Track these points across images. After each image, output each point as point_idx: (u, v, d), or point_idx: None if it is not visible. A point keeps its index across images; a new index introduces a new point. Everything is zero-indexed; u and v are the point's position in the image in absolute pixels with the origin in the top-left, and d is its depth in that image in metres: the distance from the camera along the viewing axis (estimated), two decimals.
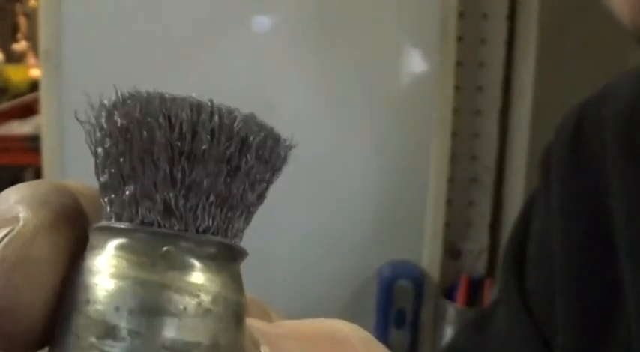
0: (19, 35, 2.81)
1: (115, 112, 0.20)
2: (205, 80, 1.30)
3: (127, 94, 0.20)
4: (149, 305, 0.18)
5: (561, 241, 0.49)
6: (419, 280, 1.35)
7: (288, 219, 1.32)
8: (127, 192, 0.19)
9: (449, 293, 1.38)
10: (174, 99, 0.19)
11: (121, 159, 0.19)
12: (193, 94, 0.20)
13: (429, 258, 1.37)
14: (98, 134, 0.20)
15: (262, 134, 0.20)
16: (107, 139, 0.20)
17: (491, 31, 1.39)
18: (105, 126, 0.20)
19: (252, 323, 0.20)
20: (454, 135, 1.37)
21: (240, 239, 0.20)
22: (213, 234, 0.19)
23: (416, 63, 1.36)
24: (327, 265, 1.37)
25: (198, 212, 0.19)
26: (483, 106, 1.42)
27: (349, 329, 0.23)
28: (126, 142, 0.19)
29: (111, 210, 0.19)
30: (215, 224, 0.19)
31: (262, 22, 1.33)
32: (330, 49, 1.32)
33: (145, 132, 0.19)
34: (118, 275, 0.18)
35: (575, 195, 0.49)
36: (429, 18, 1.31)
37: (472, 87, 1.41)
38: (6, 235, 0.18)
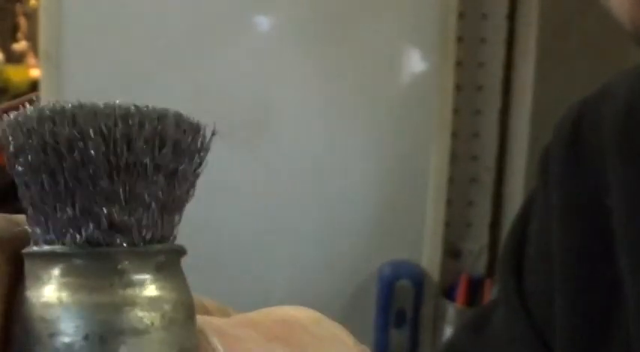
0: (19, 35, 2.81)
1: (38, 129, 0.19)
2: (205, 80, 1.30)
3: (47, 110, 0.19)
4: (119, 328, 0.18)
5: (560, 241, 0.49)
6: (419, 280, 1.35)
7: (287, 219, 1.32)
8: (67, 212, 0.18)
9: (449, 293, 1.38)
10: (100, 110, 0.19)
11: (51, 179, 0.18)
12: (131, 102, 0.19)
13: (429, 258, 1.37)
14: (17, 152, 0.19)
15: (191, 135, 0.20)
16: (31, 157, 0.18)
17: (491, 31, 1.39)
18: (26, 143, 0.19)
19: (204, 319, 0.21)
20: (454, 135, 1.37)
21: (176, 234, 0.20)
22: (158, 241, 0.19)
23: (416, 63, 1.36)
24: (327, 265, 1.37)
25: (143, 223, 0.19)
26: (483, 106, 1.42)
27: (299, 311, 0.23)
28: (55, 161, 0.18)
29: (47, 233, 0.18)
30: (159, 231, 0.19)
31: (262, 22, 1.32)
32: (329, 48, 1.32)
33: (77, 149, 0.18)
34: (77, 303, 0.18)
35: (574, 194, 0.49)
36: (429, 18, 1.31)
37: (472, 87, 1.40)
38: None
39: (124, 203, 0.18)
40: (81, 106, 0.19)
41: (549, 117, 0.58)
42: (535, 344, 0.49)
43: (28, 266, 0.18)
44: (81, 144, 0.18)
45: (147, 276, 0.18)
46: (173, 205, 0.19)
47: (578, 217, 0.48)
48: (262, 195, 1.33)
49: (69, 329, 0.17)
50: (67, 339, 0.17)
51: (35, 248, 0.18)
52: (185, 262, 0.21)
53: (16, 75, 2.50)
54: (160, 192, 0.19)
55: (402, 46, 1.36)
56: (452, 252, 1.43)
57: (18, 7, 2.82)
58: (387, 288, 1.33)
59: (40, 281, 0.18)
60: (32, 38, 2.52)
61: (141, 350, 0.18)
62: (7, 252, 0.18)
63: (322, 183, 1.35)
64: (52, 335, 0.17)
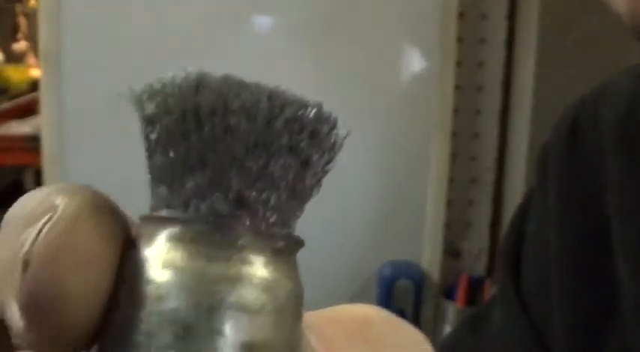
0: (19, 35, 2.81)
1: (179, 95, 0.18)
2: None
3: (193, 75, 0.18)
4: (230, 302, 0.17)
5: (558, 240, 0.49)
6: (419, 280, 1.35)
7: None
8: (196, 180, 0.18)
9: (449, 293, 1.38)
10: (248, 85, 0.18)
11: (187, 145, 0.18)
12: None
13: (429, 258, 1.37)
14: (154, 114, 0.18)
15: (329, 127, 0.19)
16: (168, 121, 0.18)
17: (491, 31, 1.39)
18: (165, 108, 0.18)
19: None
20: (454, 135, 1.37)
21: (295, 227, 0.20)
22: (281, 226, 0.19)
23: (416, 63, 1.36)
24: (328, 265, 1.37)
25: (270, 203, 0.18)
26: (483, 106, 1.42)
27: (370, 309, 0.23)
28: (193, 128, 0.18)
29: (171, 199, 0.18)
30: (282, 216, 0.19)
31: (262, 22, 1.33)
32: (330, 48, 1.32)
33: (219, 118, 0.18)
34: (191, 270, 0.17)
35: (572, 193, 0.49)
36: (429, 18, 1.31)
37: (472, 87, 1.41)
38: (47, 221, 0.17)
39: (254, 180, 0.18)
40: (226, 78, 0.19)
41: (549, 117, 0.57)
42: (532, 342, 0.49)
43: (143, 228, 0.18)
44: (223, 114, 0.18)
45: (264, 258, 0.18)
46: (301, 194, 0.19)
47: (576, 216, 0.48)
48: None
49: (179, 295, 0.17)
50: (174, 304, 0.17)
51: (154, 213, 0.18)
52: None
53: (16, 75, 2.50)
54: (291, 176, 0.19)
55: (402, 46, 1.36)
56: (452, 252, 1.43)
57: (18, 7, 2.82)
58: (387, 288, 1.34)
59: (154, 244, 0.17)
60: (32, 38, 2.52)
61: (247, 328, 0.17)
62: (119, 215, 0.18)
63: (322, 183, 1.35)
64: (160, 297, 0.17)
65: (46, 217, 0.17)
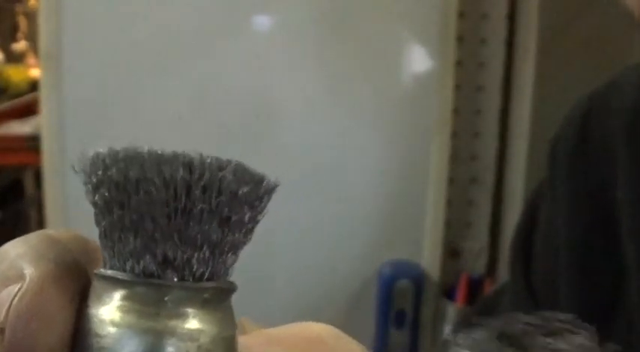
0: (19, 35, 2.81)
1: (113, 168, 0.21)
2: (206, 81, 1.30)
3: (121, 151, 0.21)
4: None
5: (566, 230, 0.49)
6: (419, 280, 1.35)
7: (288, 219, 1.32)
8: (129, 245, 0.21)
9: (449, 293, 1.38)
10: (167, 157, 0.21)
11: (120, 213, 0.21)
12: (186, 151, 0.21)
13: (429, 258, 1.37)
14: (95, 185, 0.21)
15: (250, 186, 0.22)
16: (105, 191, 0.21)
17: (491, 31, 1.39)
18: (102, 178, 0.21)
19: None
20: (454, 135, 1.37)
21: (231, 273, 0.22)
22: (208, 279, 0.21)
23: (416, 63, 1.37)
24: (328, 265, 1.37)
25: (194, 261, 0.21)
26: (483, 106, 1.42)
27: (320, 328, 0.25)
28: (124, 198, 0.21)
29: (113, 259, 0.21)
30: (209, 270, 0.21)
31: (262, 22, 1.33)
32: (330, 48, 1.32)
33: (142, 191, 0.20)
34: (125, 325, 0.20)
35: (581, 185, 0.49)
36: (429, 18, 1.31)
37: (472, 87, 1.41)
38: (17, 291, 0.20)
39: (178, 242, 0.21)
40: (150, 152, 0.21)
41: (549, 117, 0.58)
42: None
43: (94, 285, 0.21)
44: (145, 186, 0.20)
45: (191, 310, 0.21)
46: (226, 248, 0.22)
47: (585, 208, 0.49)
48: None
49: (116, 347, 0.20)
50: None
51: (102, 270, 0.21)
52: None
53: (16, 75, 2.50)
54: (214, 236, 0.21)
55: (402, 46, 1.36)
56: (452, 252, 1.43)
57: (18, 7, 2.82)
58: (387, 289, 1.34)
59: (100, 301, 0.21)
60: (32, 38, 2.52)
61: None
62: (82, 277, 0.22)
63: (322, 183, 1.35)
64: (101, 349, 0.20)
65: (17, 287, 0.20)
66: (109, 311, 0.20)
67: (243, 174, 0.22)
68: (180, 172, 0.21)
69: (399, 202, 1.37)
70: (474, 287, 1.37)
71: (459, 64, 1.35)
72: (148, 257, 0.20)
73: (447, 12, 1.31)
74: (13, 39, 2.81)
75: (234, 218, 0.21)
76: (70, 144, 1.29)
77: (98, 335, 0.20)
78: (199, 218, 0.21)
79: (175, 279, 0.21)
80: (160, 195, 0.20)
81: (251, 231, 0.22)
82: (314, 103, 1.34)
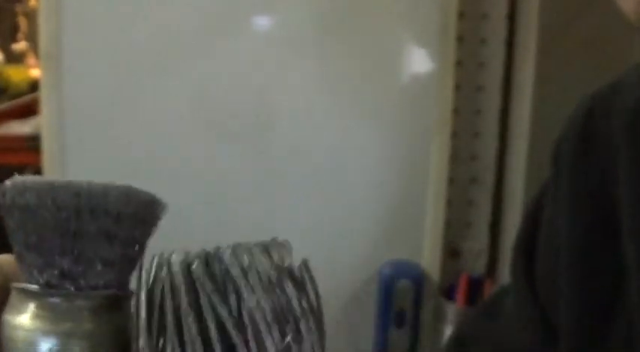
0: (19, 35, 2.81)
1: (18, 196, 0.25)
2: (206, 81, 1.30)
3: (24, 183, 0.25)
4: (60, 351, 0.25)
5: (567, 230, 0.49)
6: (419, 280, 1.35)
7: (288, 219, 1.32)
8: (35, 261, 0.25)
9: (449, 293, 1.38)
10: (61, 187, 0.25)
11: (25, 234, 0.25)
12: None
13: (429, 258, 1.37)
14: (7, 210, 0.26)
15: (134, 207, 0.26)
16: (14, 216, 0.25)
17: (491, 31, 1.39)
18: (11, 204, 0.26)
19: None
20: (454, 135, 1.37)
21: (130, 281, 0.27)
22: (103, 288, 0.26)
23: (416, 63, 1.36)
24: (327, 265, 1.37)
25: (88, 274, 0.25)
26: (483, 106, 1.42)
27: None
28: (27, 221, 0.25)
29: (26, 274, 0.26)
30: (103, 281, 0.26)
31: (262, 22, 1.32)
32: (330, 48, 1.32)
33: (40, 216, 0.25)
34: (34, 329, 0.25)
35: (583, 184, 0.49)
36: (429, 18, 1.31)
37: (472, 87, 1.40)
38: None
39: (73, 259, 0.25)
40: (49, 183, 0.25)
41: (549, 117, 0.58)
42: (543, 328, 0.50)
43: (12, 296, 0.26)
44: (42, 211, 0.25)
45: (86, 314, 0.25)
46: (118, 261, 0.26)
47: (586, 207, 0.49)
48: (263, 196, 1.33)
49: (27, 348, 0.25)
50: None
51: (16, 284, 0.26)
52: None
53: (16, 75, 2.50)
54: (104, 252, 0.25)
55: (402, 46, 1.36)
56: (452, 252, 1.43)
57: (18, 7, 2.82)
58: (387, 288, 1.33)
59: (14, 310, 0.26)
60: (32, 38, 2.52)
61: None
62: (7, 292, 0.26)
63: (322, 183, 1.35)
64: (15, 350, 0.25)
65: None
66: (22, 318, 0.25)
67: (128, 197, 0.26)
68: (72, 199, 0.25)
69: (399, 202, 1.37)
70: (474, 287, 1.37)
71: (459, 64, 1.35)
72: (49, 271, 0.25)
73: (447, 12, 1.31)
74: (13, 39, 2.81)
75: (120, 236, 0.26)
76: (70, 144, 1.29)
77: (12, 340, 0.25)
78: (90, 237, 0.25)
79: (72, 289, 0.25)
80: (54, 219, 0.25)
81: (144, 244, 0.27)
82: (314, 103, 1.34)
